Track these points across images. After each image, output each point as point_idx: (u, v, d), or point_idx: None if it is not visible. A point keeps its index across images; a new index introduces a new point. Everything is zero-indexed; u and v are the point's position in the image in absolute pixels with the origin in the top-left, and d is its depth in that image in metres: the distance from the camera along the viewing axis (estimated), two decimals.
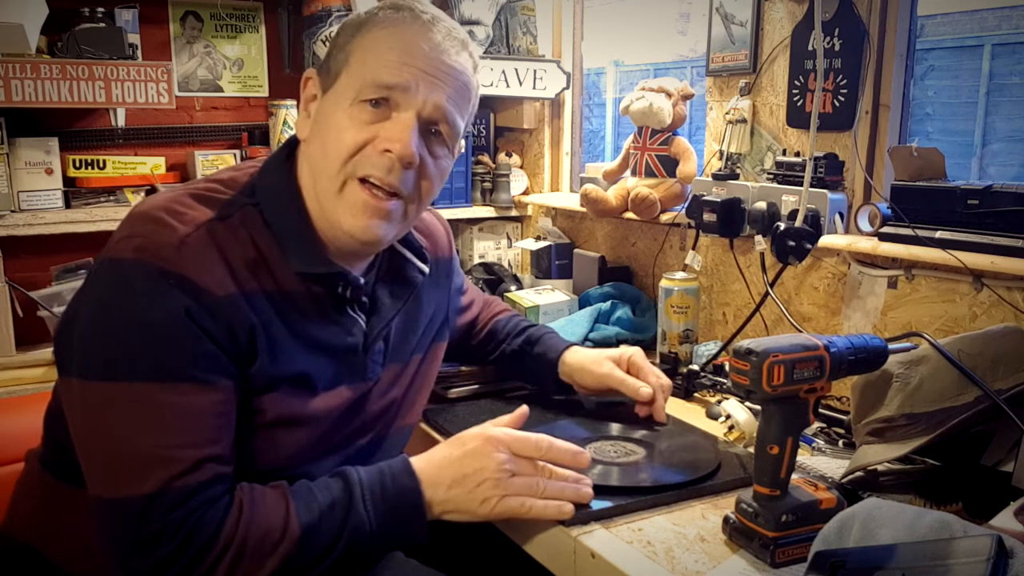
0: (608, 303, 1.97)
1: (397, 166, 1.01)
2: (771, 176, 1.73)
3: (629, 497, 1.12)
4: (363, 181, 1.02)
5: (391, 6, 1.05)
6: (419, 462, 1.07)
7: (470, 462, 1.05)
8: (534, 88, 2.44)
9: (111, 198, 2.17)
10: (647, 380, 1.37)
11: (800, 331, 1.67)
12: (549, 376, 1.44)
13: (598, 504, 1.09)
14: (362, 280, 1.10)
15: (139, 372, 0.93)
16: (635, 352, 1.41)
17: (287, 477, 1.04)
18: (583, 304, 2.05)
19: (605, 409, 1.43)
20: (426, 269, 1.18)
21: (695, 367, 1.58)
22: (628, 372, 1.39)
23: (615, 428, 1.35)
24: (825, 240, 1.58)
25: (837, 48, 1.63)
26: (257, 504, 0.97)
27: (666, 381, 1.39)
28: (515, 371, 1.50)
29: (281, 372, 1.01)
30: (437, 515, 1.06)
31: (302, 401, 1.04)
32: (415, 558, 1.28)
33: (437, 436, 1.34)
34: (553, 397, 1.48)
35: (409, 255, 1.17)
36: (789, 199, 1.63)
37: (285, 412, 1.02)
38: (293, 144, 1.10)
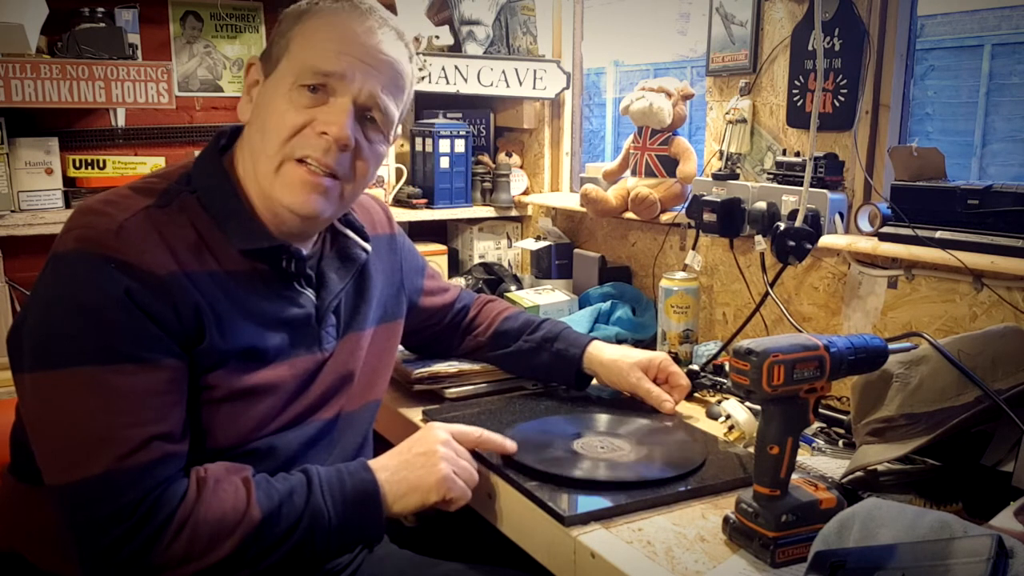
0: (608, 303, 1.97)
1: (333, 148, 1.05)
2: (771, 176, 1.73)
3: (616, 492, 1.12)
4: (300, 161, 1.06)
5: (344, 5, 1.08)
6: (374, 460, 1.12)
7: (415, 444, 1.14)
8: (534, 88, 2.44)
9: None
10: (678, 383, 1.45)
11: (800, 331, 1.67)
12: (570, 371, 1.47)
13: (597, 504, 1.09)
14: (305, 252, 1.13)
15: (83, 356, 0.95)
16: (664, 358, 1.46)
17: (252, 450, 1.06)
18: (583, 304, 2.05)
19: (616, 399, 1.48)
20: (368, 248, 1.23)
21: (695, 367, 1.58)
22: (657, 376, 1.45)
23: (602, 424, 1.36)
24: (825, 240, 1.58)
25: (837, 48, 1.63)
26: (217, 486, 0.99)
27: (685, 382, 1.47)
28: (531, 367, 1.51)
29: (230, 347, 1.03)
30: (392, 502, 1.08)
31: (253, 373, 1.06)
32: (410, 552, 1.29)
33: None
34: (568, 393, 1.50)
35: (351, 234, 1.22)
36: (789, 199, 1.63)
37: (237, 385, 1.04)
38: (224, 134, 1.14)
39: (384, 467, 1.10)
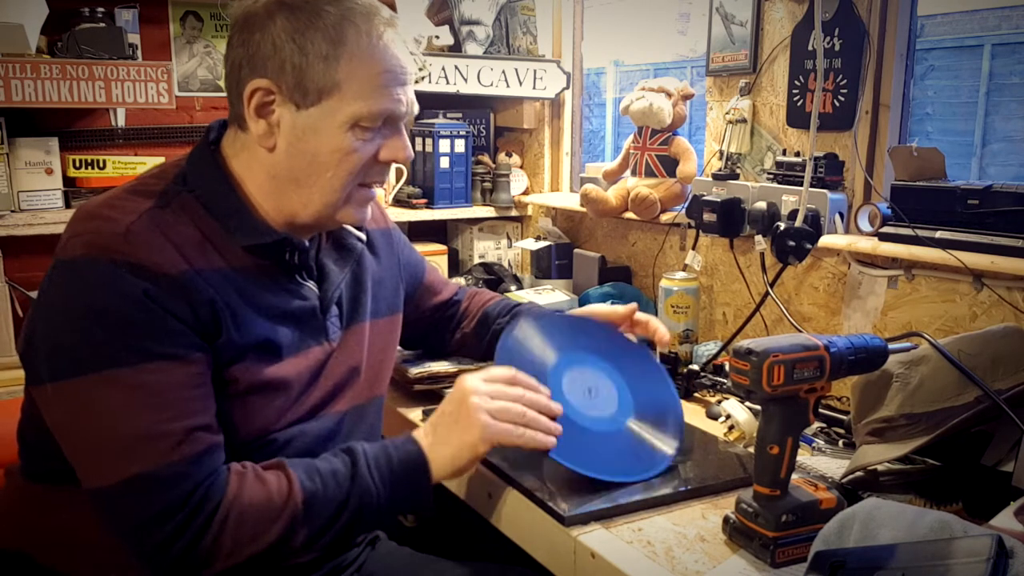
0: (608, 303, 1.97)
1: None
2: (771, 176, 1.73)
3: (617, 491, 1.12)
4: (366, 184, 1.11)
5: (357, 10, 1.05)
6: (418, 430, 1.13)
7: (452, 404, 1.12)
8: (534, 88, 2.44)
9: None
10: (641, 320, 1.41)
11: (800, 331, 1.67)
12: None
13: (597, 504, 1.10)
14: (307, 243, 1.14)
15: (113, 359, 0.94)
16: (630, 307, 1.42)
17: (271, 443, 1.07)
18: (583, 304, 2.05)
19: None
20: (363, 236, 1.24)
21: (695, 367, 1.58)
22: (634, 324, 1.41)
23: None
24: (825, 240, 1.58)
25: (837, 48, 1.63)
26: (258, 474, 1.00)
27: (646, 317, 1.41)
28: None
29: (246, 341, 1.04)
30: (439, 468, 1.09)
31: (271, 367, 1.06)
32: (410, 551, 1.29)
33: None
34: None
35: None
36: (789, 199, 1.63)
37: (256, 379, 1.05)
38: (214, 130, 1.13)
39: (426, 433, 1.11)
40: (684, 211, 1.88)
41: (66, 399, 0.97)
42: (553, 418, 1.13)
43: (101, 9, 2.09)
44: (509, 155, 2.61)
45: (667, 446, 1.22)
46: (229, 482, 0.97)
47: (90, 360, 0.95)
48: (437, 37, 2.38)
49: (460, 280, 2.27)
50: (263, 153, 1.07)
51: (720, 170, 1.84)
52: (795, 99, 1.72)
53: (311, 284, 1.14)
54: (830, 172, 1.62)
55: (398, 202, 2.42)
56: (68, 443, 0.99)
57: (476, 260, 2.51)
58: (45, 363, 0.98)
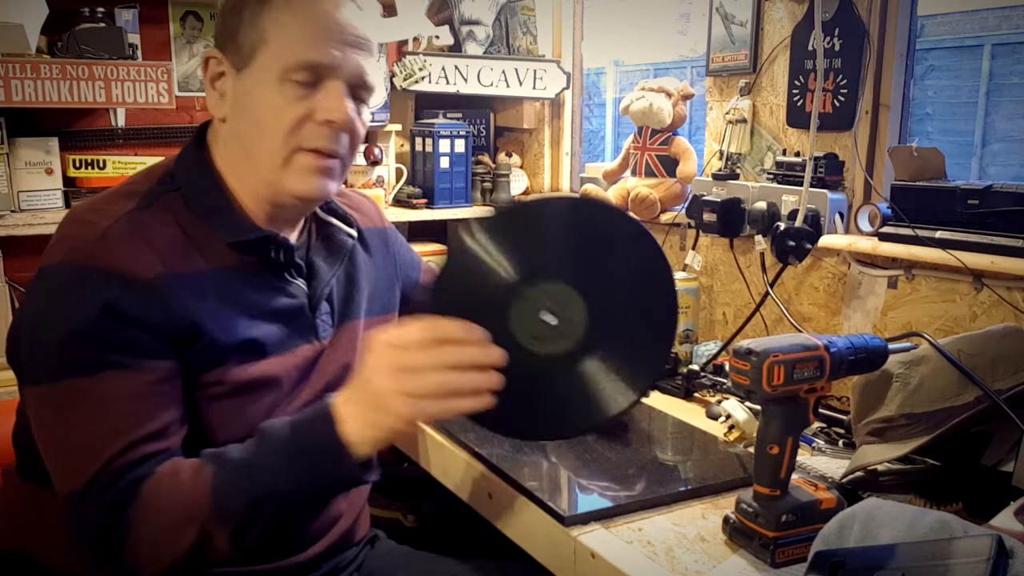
0: None
1: (337, 133, 1.06)
2: (771, 176, 1.73)
3: (616, 490, 1.12)
4: (308, 150, 1.06)
5: None
6: (338, 397, 0.99)
7: (367, 382, 0.95)
8: (534, 88, 2.44)
9: None
10: None
11: (800, 331, 1.67)
12: None
13: (597, 504, 1.10)
14: (293, 242, 1.12)
15: (67, 369, 0.95)
16: None
17: None
18: None
19: None
20: (353, 233, 1.23)
21: (695, 367, 1.58)
22: None
23: None
24: (825, 240, 1.58)
25: (837, 48, 1.63)
26: (176, 474, 0.96)
27: None
28: None
29: (228, 341, 1.03)
30: (363, 446, 0.96)
31: (256, 366, 1.05)
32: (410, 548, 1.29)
33: (436, 435, 1.34)
34: None
35: (335, 221, 1.21)
36: (789, 199, 1.63)
37: (242, 378, 1.04)
38: (203, 129, 1.13)
39: (346, 402, 0.97)
40: (684, 211, 1.88)
41: (38, 404, 0.98)
42: (495, 367, 0.92)
43: (101, 9, 2.09)
44: (509, 155, 2.61)
45: (626, 392, 1.00)
46: (142, 491, 0.94)
47: (53, 369, 0.95)
48: (437, 37, 2.38)
49: None
50: (221, 128, 1.08)
51: (720, 170, 1.84)
52: (795, 99, 1.72)
53: (299, 282, 1.14)
54: (830, 172, 1.62)
55: (398, 202, 2.42)
56: (41, 448, 1.00)
57: None
58: (24, 367, 0.99)
